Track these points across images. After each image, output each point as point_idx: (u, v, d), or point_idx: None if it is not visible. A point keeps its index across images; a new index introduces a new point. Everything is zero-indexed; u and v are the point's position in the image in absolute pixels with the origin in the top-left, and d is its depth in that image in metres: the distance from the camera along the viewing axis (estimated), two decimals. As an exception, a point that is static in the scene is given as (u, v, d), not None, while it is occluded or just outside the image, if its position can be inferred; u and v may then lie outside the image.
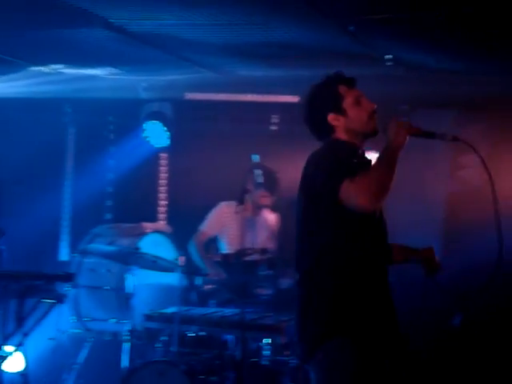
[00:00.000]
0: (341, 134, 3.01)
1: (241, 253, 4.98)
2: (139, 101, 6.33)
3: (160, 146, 6.50)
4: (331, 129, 3.01)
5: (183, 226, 5.89)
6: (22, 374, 4.57)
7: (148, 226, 5.73)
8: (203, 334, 4.69)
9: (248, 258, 4.92)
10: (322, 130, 3.04)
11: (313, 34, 4.25)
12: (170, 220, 6.65)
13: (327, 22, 3.98)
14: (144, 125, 6.38)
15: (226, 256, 5.23)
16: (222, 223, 5.62)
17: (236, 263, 4.95)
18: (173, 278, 4.88)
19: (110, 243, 5.38)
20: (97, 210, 6.61)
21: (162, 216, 6.78)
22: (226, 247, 5.59)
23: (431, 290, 3.02)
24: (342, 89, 3.02)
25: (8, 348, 4.08)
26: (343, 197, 2.75)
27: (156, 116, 6.35)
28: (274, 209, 5.68)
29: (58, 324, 5.26)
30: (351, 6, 3.77)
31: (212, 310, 4.88)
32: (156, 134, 6.40)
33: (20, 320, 3.90)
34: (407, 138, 2.87)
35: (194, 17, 3.94)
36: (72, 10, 3.83)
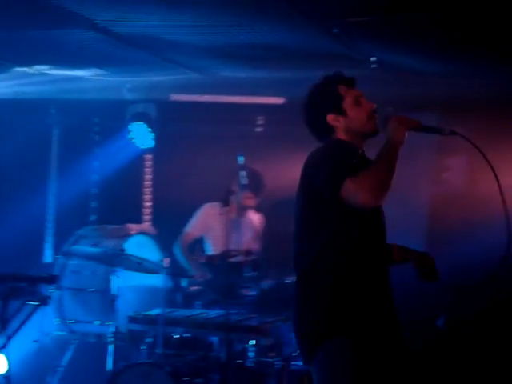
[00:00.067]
0: (341, 135, 3.00)
1: (226, 254, 4.98)
2: (124, 102, 6.31)
3: (145, 147, 6.49)
4: (331, 129, 3.01)
5: (168, 227, 5.88)
6: (5, 377, 4.53)
7: (133, 227, 5.72)
8: (188, 335, 4.68)
9: (233, 260, 4.92)
10: (322, 131, 3.04)
11: (297, 36, 4.26)
12: (155, 221, 6.64)
13: (311, 25, 3.99)
14: (129, 126, 6.37)
15: (210, 257, 5.24)
16: (207, 224, 5.63)
17: (221, 264, 4.95)
18: (158, 280, 4.87)
19: (95, 245, 5.36)
20: (81, 212, 6.59)
21: (146, 217, 6.77)
22: (211, 248, 5.59)
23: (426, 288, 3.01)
24: (342, 89, 3.01)
25: (-9, 350, 4.06)
26: (345, 195, 2.74)
27: (141, 117, 6.34)
28: (258, 209, 5.69)
29: (41, 326, 5.24)
30: (335, 9, 3.78)
31: (197, 312, 4.87)
32: (141, 136, 6.40)
33: (4, 322, 3.87)
34: (406, 133, 2.87)
35: (178, 18, 3.94)
36: (57, 10, 3.81)
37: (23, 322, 3.99)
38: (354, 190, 2.73)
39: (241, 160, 5.05)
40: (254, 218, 5.70)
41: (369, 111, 2.98)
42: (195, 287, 5.26)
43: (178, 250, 5.57)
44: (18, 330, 3.97)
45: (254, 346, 4.59)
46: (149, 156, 6.82)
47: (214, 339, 4.63)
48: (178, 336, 4.68)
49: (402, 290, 3.23)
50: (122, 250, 4.92)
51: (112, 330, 4.68)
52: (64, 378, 5.34)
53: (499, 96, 5.41)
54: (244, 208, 5.56)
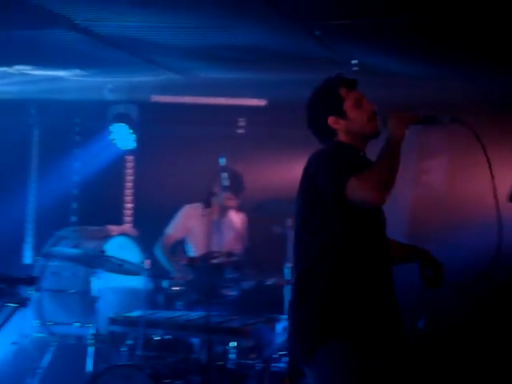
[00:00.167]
0: (342, 137, 3.00)
1: (207, 256, 4.97)
2: (105, 102, 6.29)
3: (126, 148, 6.46)
4: (332, 131, 3.01)
5: (149, 228, 5.87)
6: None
7: (114, 228, 5.69)
8: (169, 337, 4.67)
9: (214, 261, 4.91)
10: (324, 133, 3.04)
11: (279, 38, 4.26)
12: (136, 223, 6.62)
13: (293, 27, 4.00)
14: (110, 127, 6.34)
15: (192, 259, 5.22)
16: (188, 226, 5.63)
17: (202, 266, 4.94)
18: (138, 282, 4.86)
19: (75, 246, 5.33)
20: (62, 213, 6.55)
21: (127, 219, 6.75)
22: (193, 250, 5.59)
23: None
24: (343, 91, 3.01)
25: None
26: (350, 193, 2.73)
27: (122, 118, 6.31)
28: (240, 209, 5.69)
29: (21, 328, 5.20)
30: (317, 11, 3.79)
31: (178, 314, 4.86)
32: (122, 137, 6.37)
33: (-18, 324, 3.85)
34: (407, 128, 2.88)
35: (159, 20, 3.93)
36: (37, 10, 3.79)
37: (2, 324, 3.96)
38: (360, 189, 2.72)
39: (222, 162, 5.04)
40: (236, 218, 5.71)
41: (369, 113, 2.98)
42: (177, 288, 5.25)
43: (159, 252, 5.56)
44: (-4, 332, 3.94)
45: (234, 347, 4.58)
46: (130, 157, 6.80)
47: (195, 341, 4.62)
48: (158, 338, 4.66)
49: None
50: (103, 252, 4.89)
51: (92, 331, 4.65)
52: (43, 380, 5.30)
53: (481, 98, 5.45)
54: (225, 209, 5.57)
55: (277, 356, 4.83)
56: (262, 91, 5.92)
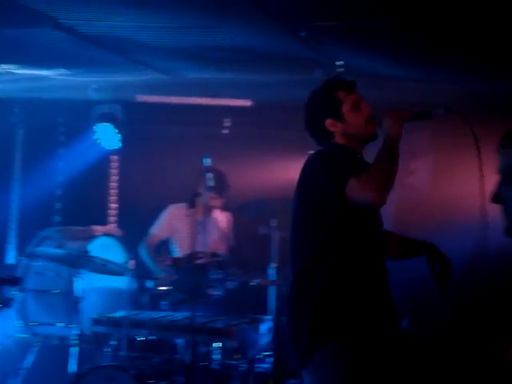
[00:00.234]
0: (339, 139, 3.00)
1: (192, 256, 4.97)
2: (90, 102, 6.26)
3: (111, 148, 6.44)
4: (330, 134, 3.01)
5: (134, 228, 5.85)
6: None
7: (98, 229, 5.67)
8: (153, 338, 4.66)
9: (199, 261, 4.91)
10: (321, 135, 3.04)
11: (265, 39, 4.26)
12: (121, 223, 6.60)
13: (279, 28, 4.00)
14: (94, 127, 6.32)
15: (176, 259, 5.22)
16: (173, 226, 5.62)
17: (187, 266, 4.93)
18: (123, 282, 4.84)
19: (59, 246, 5.30)
20: (45, 213, 6.52)
21: (112, 219, 6.73)
22: (177, 250, 5.59)
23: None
24: (341, 94, 3.01)
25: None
26: (350, 194, 2.73)
27: (107, 118, 6.29)
28: (224, 208, 5.68)
29: (4, 329, 5.17)
30: (303, 12, 3.80)
31: (162, 314, 4.85)
32: (107, 136, 6.35)
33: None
34: (402, 126, 2.87)
35: (145, 19, 3.92)
36: (21, 9, 3.77)
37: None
38: (360, 189, 2.72)
39: (207, 162, 5.04)
40: (221, 217, 5.71)
41: (367, 116, 2.98)
42: (162, 288, 5.24)
43: (143, 252, 5.55)
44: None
45: (219, 348, 4.58)
46: (115, 157, 6.78)
47: (179, 341, 4.61)
48: (142, 338, 4.65)
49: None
50: (87, 252, 4.88)
51: (76, 332, 4.63)
52: (26, 381, 5.27)
53: (471, 100, 5.48)
54: (210, 208, 5.56)
55: (261, 356, 4.84)
56: (247, 92, 5.92)
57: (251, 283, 5.11)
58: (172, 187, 6.03)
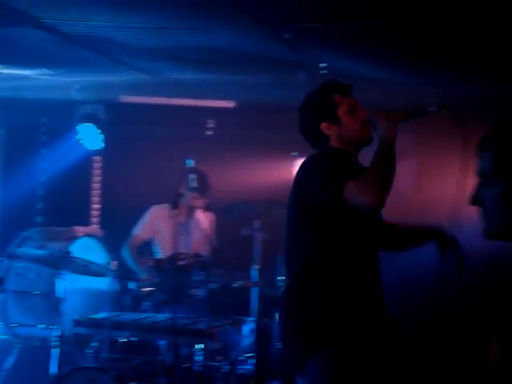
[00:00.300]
0: (335, 143, 2.99)
1: (174, 257, 4.96)
2: (73, 102, 6.23)
3: (93, 148, 6.41)
4: (325, 137, 2.99)
5: (116, 229, 5.83)
6: None
7: (80, 229, 5.65)
8: (135, 339, 4.64)
9: (181, 262, 4.90)
10: (316, 139, 3.02)
11: (248, 41, 4.26)
12: (103, 224, 6.57)
13: (262, 29, 4.00)
14: (77, 127, 6.29)
15: (159, 260, 5.20)
16: (155, 227, 5.61)
17: (169, 267, 4.92)
18: (104, 283, 4.82)
19: (40, 247, 5.27)
20: (27, 213, 6.49)
21: (94, 220, 6.70)
22: (160, 251, 5.57)
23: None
24: (337, 97, 2.99)
25: None
26: (349, 197, 2.70)
27: (89, 118, 6.26)
28: (207, 208, 5.68)
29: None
30: (287, 14, 3.80)
31: (144, 315, 4.84)
32: (89, 137, 6.32)
33: None
34: (397, 126, 2.84)
35: (128, 20, 3.90)
36: (3, 8, 3.74)
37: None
38: (359, 192, 2.69)
39: (190, 163, 5.04)
40: (203, 218, 5.70)
41: (363, 120, 2.96)
42: (145, 289, 5.23)
43: (126, 253, 5.53)
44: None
45: (201, 349, 4.57)
46: (97, 157, 6.75)
47: (161, 343, 4.60)
48: (124, 340, 4.63)
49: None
50: (68, 253, 4.85)
51: (57, 333, 4.61)
52: (7, 382, 5.23)
53: (455, 104, 5.50)
54: (192, 209, 5.55)
55: (243, 358, 4.84)
56: (230, 93, 5.92)
57: (234, 284, 5.11)
58: (155, 188, 6.02)
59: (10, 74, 5.33)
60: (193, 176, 5.15)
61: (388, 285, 3.01)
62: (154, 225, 5.61)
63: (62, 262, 4.74)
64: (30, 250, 5.20)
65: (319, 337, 2.79)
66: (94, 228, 6.43)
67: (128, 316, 4.79)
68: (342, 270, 2.85)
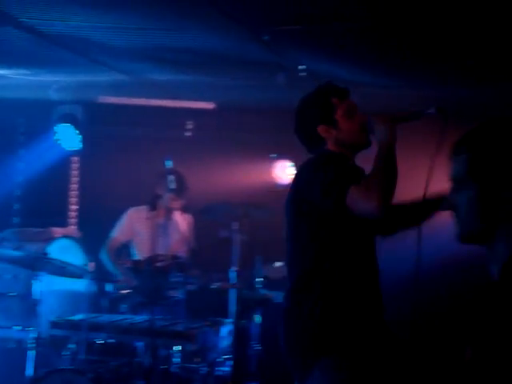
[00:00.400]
0: (331, 146, 2.94)
1: (152, 259, 4.94)
2: (51, 102, 6.19)
3: (71, 149, 6.37)
4: (322, 140, 2.95)
5: (94, 230, 5.80)
6: None
7: (57, 230, 5.62)
8: (112, 341, 4.62)
9: (159, 264, 4.89)
10: (313, 142, 2.98)
11: (227, 42, 4.26)
12: (81, 225, 6.53)
13: (242, 31, 4.00)
14: (55, 127, 6.25)
15: (137, 262, 5.18)
16: (134, 229, 5.58)
17: (147, 269, 4.91)
18: (82, 285, 4.79)
19: (17, 248, 5.22)
20: (4, 214, 6.42)
21: (72, 221, 6.66)
22: (138, 253, 5.54)
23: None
24: (334, 100, 2.95)
25: None
26: (352, 204, 2.66)
27: (68, 119, 6.22)
28: (185, 210, 5.66)
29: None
30: (266, 16, 3.80)
31: (121, 317, 4.81)
32: (67, 137, 6.28)
33: None
34: (395, 129, 2.81)
35: (106, 20, 3.89)
36: (-20, 7, 3.72)
37: None
38: (361, 199, 2.66)
39: (168, 164, 5.02)
40: (181, 219, 5.67)
41: (361, 123, 2.92)
42: (123, 291, 5.21)
43: (104, 256, 5.49)
44: None
45: (179, 351, 4.56)
46: (75, 158, 6.71)
47: (139, 345, 4.58)
48: (101, 342, 4.60)
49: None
50: (45, 254, 4.82)
51: (33, 335, 4.57)
52: (-18, 385, 5.19)
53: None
54: (170, 211, 5.53)
55: (221, 360, 4.83)
56: (210, 94, 5.92)
57: (212, 286, 5.11)
58: (133, 189, 5.99)
59: (-13, 73, 5.29)
60: (171, 177, 5.14)
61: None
62: (132, 227, 5.58)
63: (39, 264, 4.70)
64: (7, 251, 5.14)
65: (324, 344, 2.76)
66: (72, 229, 6.39)
67: (105, 318, 4.77)
68: (343, 272, 2.83)
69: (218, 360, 4.78)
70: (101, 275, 5.00)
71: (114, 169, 6.36)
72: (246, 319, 5.24)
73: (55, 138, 6.27)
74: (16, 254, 5.00)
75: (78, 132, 6.24)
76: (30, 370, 4.57)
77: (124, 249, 5.64)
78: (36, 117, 6.44)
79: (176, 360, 4.57)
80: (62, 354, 4.68)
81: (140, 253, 5.50)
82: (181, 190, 5.39)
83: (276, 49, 4.37)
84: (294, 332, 2.84)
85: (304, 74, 4.80)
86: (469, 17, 3.62)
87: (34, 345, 4.57)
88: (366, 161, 2.93)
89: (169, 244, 5.24)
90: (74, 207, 6.70)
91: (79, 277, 4.77)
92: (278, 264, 5.48)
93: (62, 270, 4.76)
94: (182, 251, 5.45)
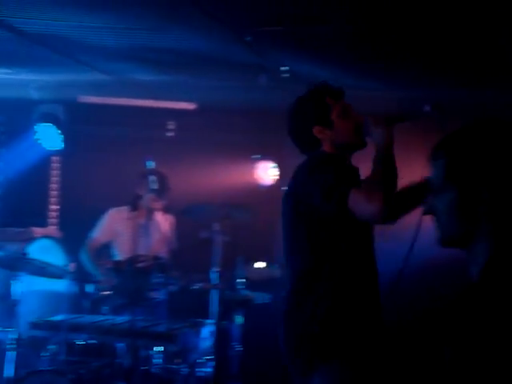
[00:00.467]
0: (327, 147, 2.91)
1: (133, 259, 4.93)
2: (31, 101, 6.15)
3: (52, 148, 6.33)
4: (317, 141, 2.91)
5: (75, 231, 5.76)
6: None
7: (37, 230, 5.58)
8: (93, 342, 4.60)
9: (140, 265, 4.87)
10: (307, 143, 2.94)
11: (210, 43, 4.26)
12: (62, 225, 6.50)
13: (224, 32, 4.00)
14: (35, 127, 6.21)
15: (117, 263, 5.17)
16: (114, 229, 5.55)
17: (128, 270, 4.89)
18: (62, 285, 4.76)
19: (-4, 248, 5.20)
20: (-17, 214, 6.38)
21: (52, 221, 6.62)
22: (119, 253, 5.52)
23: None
24: (329, 101, 2.92)
25: None
26: (354, 207, 2.64)
27: (48, 118, 6.19)
28: (166, 210, 5.65)
29: None
30: (248, 17, 3.81)
31: (102, 318, 4.79)
32: (48, 137, 6.24)
33: None
34: (392, 131, 2.78)
35: (87, 19, 3.87)
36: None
37: None
38: (362, 201, 2.63)
39: (150, 164, 5.01)
40: (162, 220, 5.66)
41: (356, 124, 2.90)
42: (104, 292, 5.18)
43: (85, 257, 5.46)
44: None
45: (160, 352, 4.55)
46: (56, 158, 6.67)
47: (120, 345, 4.56)
48: (82, 342, 4.58)
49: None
50: (25, 254, 4.78)
51: (13, 336, 4.54)
52: (-40, 387, 5.14)
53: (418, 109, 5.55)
54: (151, 211, 5.51)
55: (202, 361, 4.83)
56: (191, 95, 5.91)
57: (193, 287, 5.09)
58: (114, 189, 5.97)
59: (-33, 71, 5.25)
60: (153, 177, 5.12)
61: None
62: (113, 227, 5.55)
63: (19, 264, 4.67)
64: (-14, 251, 5.12)
65: (326, 348, 2.75)
66: (52, 229, 6.35)
67: (86, 318, 4.75)
68: (343, 273, 2.82)
69: (199, 361, 4.78)
70: (81, 276, 4.97)
71: (95, 169, 6.33)
72: (228, 320, 5.24)
73: (35, 137, 6.23)
74: (-5, 254, 4.97)
75: (59, 131, 6.21)
76: (9, 371, 4.53)
77: (104, 249, 5.61)
78: (16, 116, 6.39)
79: (157, 361, 4.56)
80: (42, 354, 4.66)
81: (121, 253, 5.47)
82: (162, 190, 5.37)
83: (258, 50, 4.37)
84: (295, 334, 2.82)
85: (286, 75, 4.80)
86: (451, 17, 3.64)
87: (13, 346, 4.54)
88: (361, 161, 2.93)
89: (150, 244, 5.23)
90: (54, 207, 6.66)
91: (59, 277, 4.75)
92: (258, 264, 5.49)
93: (42, 270, 4.73)
94: (163, 252, 5.44)
